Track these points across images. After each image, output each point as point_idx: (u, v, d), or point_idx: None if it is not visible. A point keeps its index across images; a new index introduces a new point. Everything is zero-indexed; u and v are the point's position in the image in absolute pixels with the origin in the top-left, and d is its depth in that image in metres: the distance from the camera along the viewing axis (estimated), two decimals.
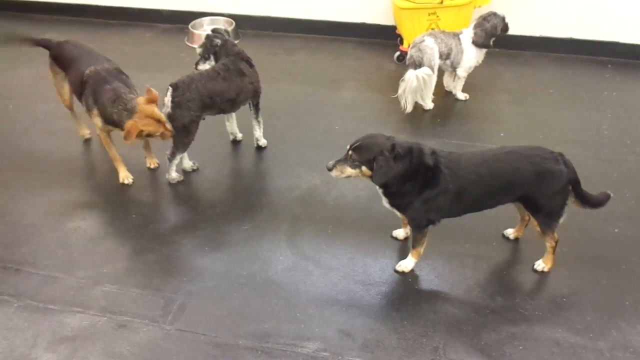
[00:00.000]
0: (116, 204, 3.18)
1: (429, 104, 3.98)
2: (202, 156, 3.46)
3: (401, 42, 4.71)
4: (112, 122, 3.02)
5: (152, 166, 3.42)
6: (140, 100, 2.92)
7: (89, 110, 3.08)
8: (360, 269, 2.70)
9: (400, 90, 3.87)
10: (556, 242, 2.57)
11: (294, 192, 3.23)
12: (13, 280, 2.67)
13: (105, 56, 3.26)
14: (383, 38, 5.03)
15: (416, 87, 3.78)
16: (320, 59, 4.85)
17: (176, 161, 3.24)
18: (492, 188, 2.44)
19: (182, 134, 3.13)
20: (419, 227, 2.56)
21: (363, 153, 2.35)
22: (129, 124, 2.85)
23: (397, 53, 4.74)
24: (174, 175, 3.28)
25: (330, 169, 2.44)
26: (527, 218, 2.72)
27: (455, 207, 2.48)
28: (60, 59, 3.30)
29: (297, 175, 3.35)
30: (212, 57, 3.34)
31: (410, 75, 3.76)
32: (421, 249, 2.62)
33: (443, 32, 4.00)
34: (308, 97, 4.23)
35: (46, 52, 3.35)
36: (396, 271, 2.68)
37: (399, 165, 2.32)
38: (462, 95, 4.16)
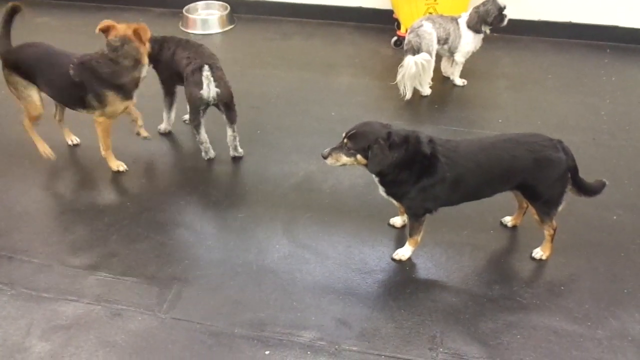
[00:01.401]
0: (110, 191, 3.14)
1: (426, 90, 3.94)
2: (195, 144, 3.40)
3: (398, 26, 4.65)
4: (130, 79, 2.96)
5: (144, 136, 3.34)
6: (118, 29, 2.92)
7: (101, 101, 2.97)
8: (357, 257, 2.68)
9: (399, 77, 3.82)
10: (554, 230, 2.55)
11: (290, 179, 3.19)
12: (6, 268, 2.64)
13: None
14: (380, 23, 4.96)
15: (415, 73, 3.74)
16: (316, 44, 4.78)
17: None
18: (491, 176, 2.42)
19: (234, 104, 3.20)
20: (416, 216, 2.53)
21: (358, 141, 2.32)
22: (132, 29, 2.89)
23: (395, 38, 4.68)
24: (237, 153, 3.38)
25: (325, 157, 2.41)
26: (525, 205, 2.70)
27: (453, 195, 2.45)
28: (24, 66, 3.01)
29: (293, 162, 3.32)
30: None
31: (409, 61, 3.71)
32: (418, 237, 2.60)
33: (441, 16, 3.94)
34: (304, 82, 4.17)
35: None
36: (393, 259, 2.66)
37: (394, 154, 2.29)
38: (459, 81, 4.12)
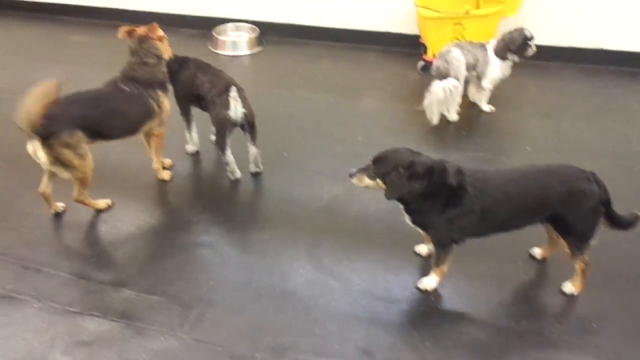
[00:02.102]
0: (137, 209, 3.17)
1: (453, 116, 3.92)
2: (221, 164, 3.42)
3: (425, 51, 4.66)
4: (163, 76, 3.13)
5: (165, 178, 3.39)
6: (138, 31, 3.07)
7: (160, 104, 3.08)
8: (382, 285, 2.64)
9: (426, 102, 3.81)
10: (587, 265, 2.48)
11: (315, 202, 3.18)
12: (34, 280, 2.68)
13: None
14: (407, 47, 4.98)
15: (442, 98, 3.73)
16: (344, 67, 4.82)
17: None
18: (521, 208, 2.37)
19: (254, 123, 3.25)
20: (442, 246, 2.50)
21: (381, 166, 2.33)
22: (143, 30, 3.06)
23: (421, 63, 4.68)
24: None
25: (351, 176, 2.43)
26: (555, 237, 2.64)
27: (481, 227, 2.41)
28: (90, 115, 2.85)
29: (318, 185, 3.31)
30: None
31: (437, 86, 3.71)
32: (445, 267, 2.55)
33: (470, 42, 3.94)
34: (330, 105, 4.19)
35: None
36: (418, 289, 2.62)
37: (414, 184, 2.27)
38: (487, 107, 4.09)
